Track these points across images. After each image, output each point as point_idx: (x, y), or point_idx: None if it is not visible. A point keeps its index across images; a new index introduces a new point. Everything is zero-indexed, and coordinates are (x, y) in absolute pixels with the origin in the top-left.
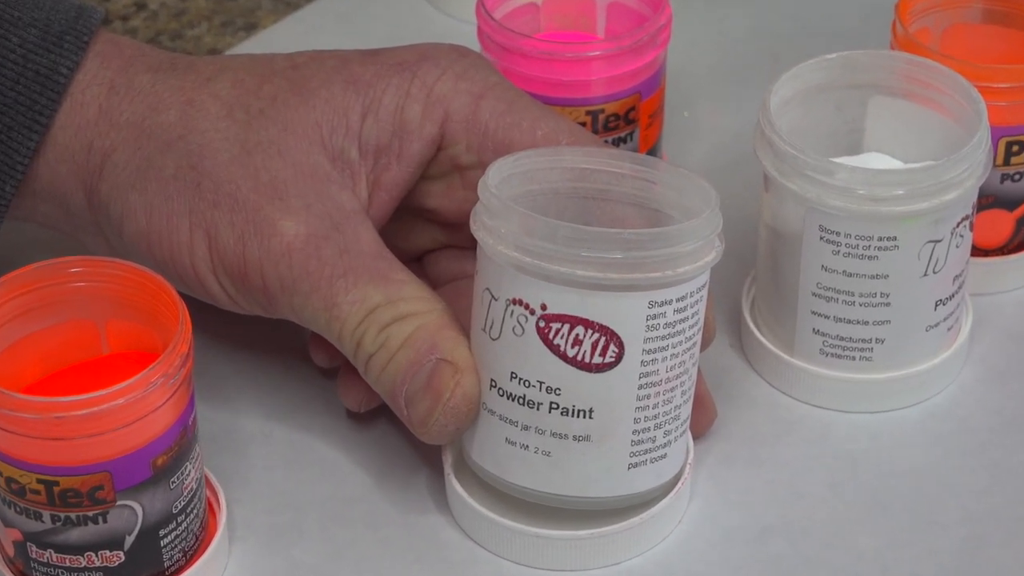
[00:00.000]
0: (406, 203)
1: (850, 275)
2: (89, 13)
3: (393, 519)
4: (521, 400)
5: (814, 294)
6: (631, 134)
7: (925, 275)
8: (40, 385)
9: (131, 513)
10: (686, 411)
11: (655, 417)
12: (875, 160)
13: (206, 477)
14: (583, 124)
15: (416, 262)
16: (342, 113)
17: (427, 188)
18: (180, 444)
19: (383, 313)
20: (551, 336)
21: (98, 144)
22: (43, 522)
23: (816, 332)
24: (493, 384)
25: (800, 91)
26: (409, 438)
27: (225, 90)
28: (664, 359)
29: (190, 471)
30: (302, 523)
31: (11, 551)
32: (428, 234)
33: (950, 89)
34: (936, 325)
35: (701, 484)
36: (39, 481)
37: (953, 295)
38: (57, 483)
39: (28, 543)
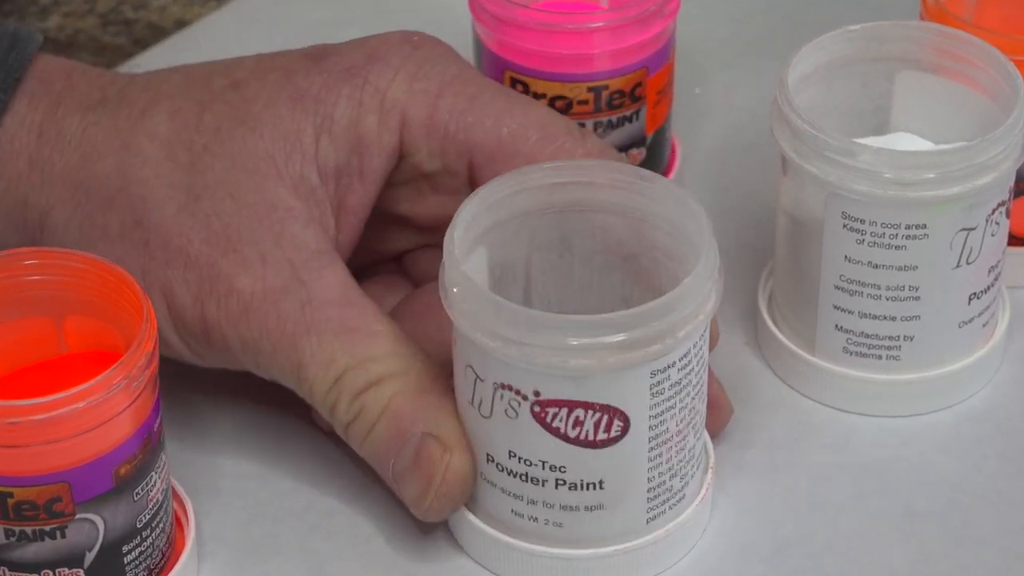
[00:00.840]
0: (375, 210)
1: (876, 266)
2: (24, 43)
3: (376, 533)
4: (524, 477)
5: (837, 287)
6: (637, 112)
7: (958, 266)
8: None
9: (91, 527)
10: (700, 444)
11: (669, 469)
12: (903, 141)
13: (173, 488)
14: (585, 102)
15: (395, 261)
16: (294, 137)
17: (394, 195)
18: (144, 452)
19: (354, 377)
20: (549, 420)
21: (34, 200)
22: None
23: (839, 329)
24: (490, 459)
25: (822, 65)
26: None
27: (163, 126)
28: (672, 416)
29: (155, 481)
30: (277, 537)
31: None
32: (403, 236)
33: (985, 63)
34: (970, 321)
35: (715, 493)
36: None
37: (988, 288)
38: (11, 495)
39: None
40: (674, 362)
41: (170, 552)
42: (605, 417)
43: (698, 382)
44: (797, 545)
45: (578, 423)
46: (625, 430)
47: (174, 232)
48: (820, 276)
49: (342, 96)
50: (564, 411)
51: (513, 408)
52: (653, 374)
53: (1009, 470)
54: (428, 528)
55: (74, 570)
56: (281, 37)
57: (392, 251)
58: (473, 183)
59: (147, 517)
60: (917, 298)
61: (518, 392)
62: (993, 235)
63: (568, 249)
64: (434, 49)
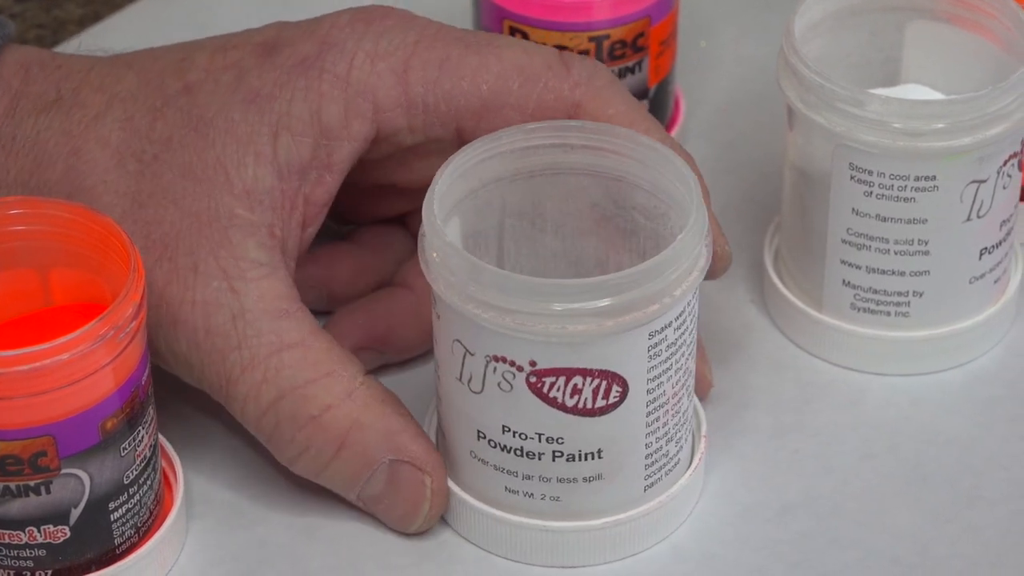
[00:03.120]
0: (363, 182)
1: (884, 219)
2: None
3: None
4: (519, 451)
5: (844, 241)
6: (640, 63)
7: (968, 220)
8: None
9: (77, 483)
10: (691, 406)
11: (666, 434)
12: (913, 92)
13: (161, 446)
14: (586, 52)
15: (396, 224)
16: (246, 140)
17: (376, 170)
18: (132, 406)
19: (293, 406)
20: (546, 390)
21: None
22: None
23: (847, 284)
24: (481, 435)
25: (830, 14)
26: None
27: (115, 134)
28: (669, 378)
29: (143, 437)
30: (268, 498)
31: None
32: (399, 200)
33: (997, 12)
34: (981, 276)
35: (718, 456)
36: None
37: (1000, 243)
38: None
39: None
40: (671, 322)
41: (158, 511)
42: (603, 383)
43: (691, 341)
44: (803, 507)
45: (576, 391)
46: (624, 395)
47: None
48: (827, 230)
49: (298, 90)
50: (562, 380)
51: (507, 380)
52: (651, 335)
53: (1020, 431)
54: None
55: (59, 527)
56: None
57: (392, 214)
58: (461, 143)
59: (134, 473)
60: (926, 252)
61: (512, 363)
62: (1005, 188)
63: (541, 215)
64: (387, 20)
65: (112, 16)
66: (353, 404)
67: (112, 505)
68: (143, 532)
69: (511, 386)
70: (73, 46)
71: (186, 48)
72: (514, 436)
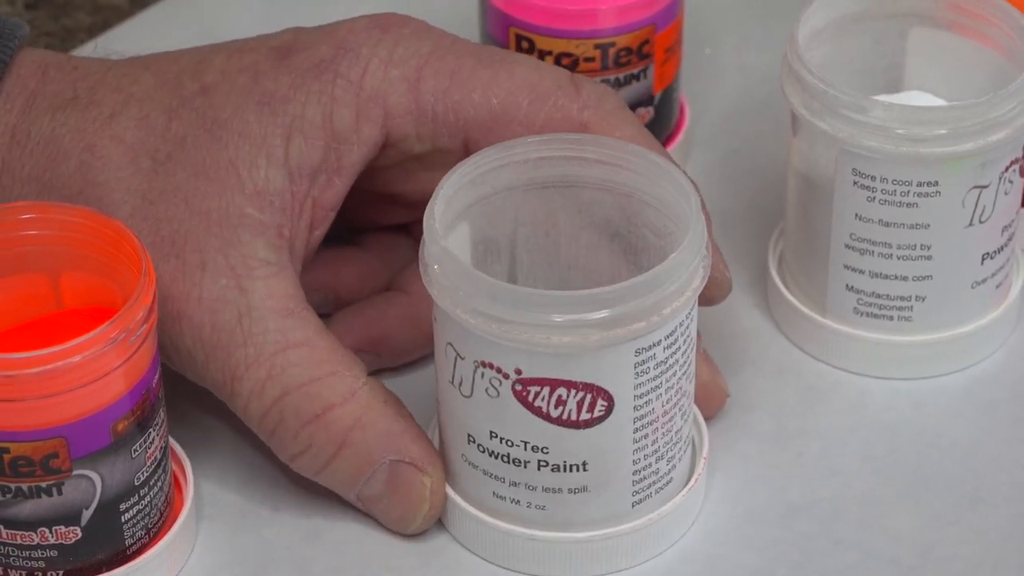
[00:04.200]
0: (367, 190)
1: (887, 225)
2: (8, 37)
3: None
4: (505, 458)
5: (847, 246)
6: (645, 70)
7: (970, 225)
8: None
9: (89, 484)
10: (687, 427)
11: (655, 452)
12: (916, 99)
13: (172, 449)
14: (591, 59)
15: (402, 230)
16: (259, 142)
17: (383, 177)
18: (143, 408)
19: (297, 403)
20: (530, 399)
21: (3, 201)
22: None
23: (850, 289)
24: (471, 439)
25: (833, 21)
26: None
27: (130, 132)
28: (658, 396)
29: (154, 439)
30: (276, 501)
31: None
32: (402, 211)
33: (999, 20)
34: (983, 281)
35: (721, 459)
36: None
37: (1002, 248)
38: (7, 450)
39: None
40: (660, 340)
41: (168, 512)
42: (588, 396)
43: (686, 362)
44: (806, 510)
45: (560, 402)
46: (609, 410)
47: None
48: (830, 235)
49: (312, 94)
50: (546, 390)
51: (494, 387)
52: (638, 352)
53: (1021, 434)
54: None
55: (71, 528)
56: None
57: (395, 222)
58: (470, 155)
59: (145, 475)
60: (929, 257)
61: (499, 370)
62: (1007, 193)
63: (554, 226)
64: (403, 28)
65: (121, 24)
66: (356, 404)
67: (123, 506)
68: (154, 533)
69: (498, 392)
70: (88, 49)
71: (203, 51)
72: (501, 442)
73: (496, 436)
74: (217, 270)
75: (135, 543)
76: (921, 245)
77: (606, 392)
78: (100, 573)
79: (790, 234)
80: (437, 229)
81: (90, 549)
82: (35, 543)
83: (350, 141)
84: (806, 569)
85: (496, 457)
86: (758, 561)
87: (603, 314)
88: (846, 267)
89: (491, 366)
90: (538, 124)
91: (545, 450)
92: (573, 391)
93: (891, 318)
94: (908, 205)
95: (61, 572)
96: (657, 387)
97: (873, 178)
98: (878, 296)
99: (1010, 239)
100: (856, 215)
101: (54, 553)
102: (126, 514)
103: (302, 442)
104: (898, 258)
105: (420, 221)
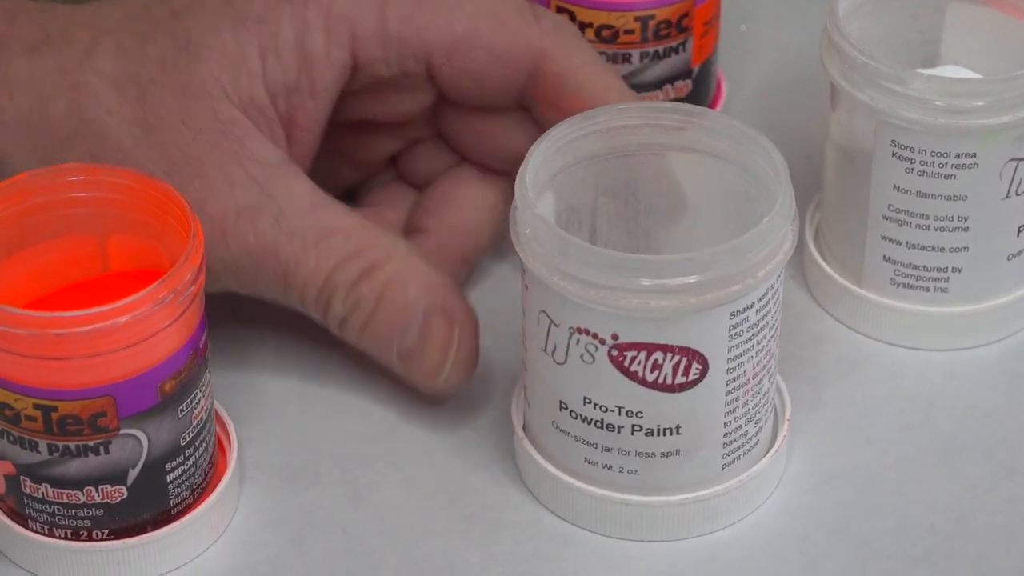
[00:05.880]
0: (344, 121)
1: (925, 196)
2: None
3: (418, 460)
4: (599, 424)
5: (885, 217)
6: (684, 43)
7: (1007, 197)
8: (35, 306)
9: (135, 443)
10: (773, 387)
11: (745, 414)
12: (952, 73)
13: (216, 412)
14: (631, 31)
15: (390, 169)
16: (239, 59)
17: (355, 103)
18: (190, 369)
19: (344, 272)
20: (627, 364)
21: None
22: (39, 452)
23: (887, 260)
24: (563, 406)
25: None
26: None
27: (108, 64)
28: (750, 359)
29: (200, 399)
30: (318, 464)
31: (2, 487)
32: (381, 139)
33: None
34: (1019, 253)
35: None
36: (36, 407)
37: None
38: (55, 408)
39: (21, 476)
40: (753, 303)
41: (212, 474)
42: (684, 360)
43: (774, 324)
44: (842, 477)
45: (656, 366)
46: (704, 373)
47: (133, 166)
48: (868, 206)
49: (284, 16)
50: (643, 354)
51: (590, 353)
52: (732, 315)
53: None
54: (471, 459)
55: (117, 487)
56: None
57: (380, 157)
58: (433, 80)
59: (191, 435)
60: (966, 229)
61: (595, 336)
62: None
63: (634, 194)
64: None
65: None
66: (395, 263)
67: (168, 466)
68: (198, 494)
69: (593, 358)
70: None
71: None
72: (595, 408)
73: (590, 402)
74: (244, 182)
75: (179, 503)
76: (958, 217)
77: (701, 355)
78: (144, 532)
79: (827, 206)
80: (530, 196)
81: (135, 509)
82: (81, 502)
83: (321, 64)
84: (843, 535)
85: (589, 423)
86: (796, 527)
87: (700, 278)
88: (883, 238)
89: (587, 332)
90: (499, 50)
91: (640, 415)
92: (669, 355)
93: (927, 289)
94: (946, 176)
95: (106, 531)
96: (749, 349)
97: (912, 149)
98: (915, 267)
99: None
100: (894, 186)
101: (100, 512)
102: (171, 474)
103: (349, 305)
104: (935, 229)
105: (406, 151)
